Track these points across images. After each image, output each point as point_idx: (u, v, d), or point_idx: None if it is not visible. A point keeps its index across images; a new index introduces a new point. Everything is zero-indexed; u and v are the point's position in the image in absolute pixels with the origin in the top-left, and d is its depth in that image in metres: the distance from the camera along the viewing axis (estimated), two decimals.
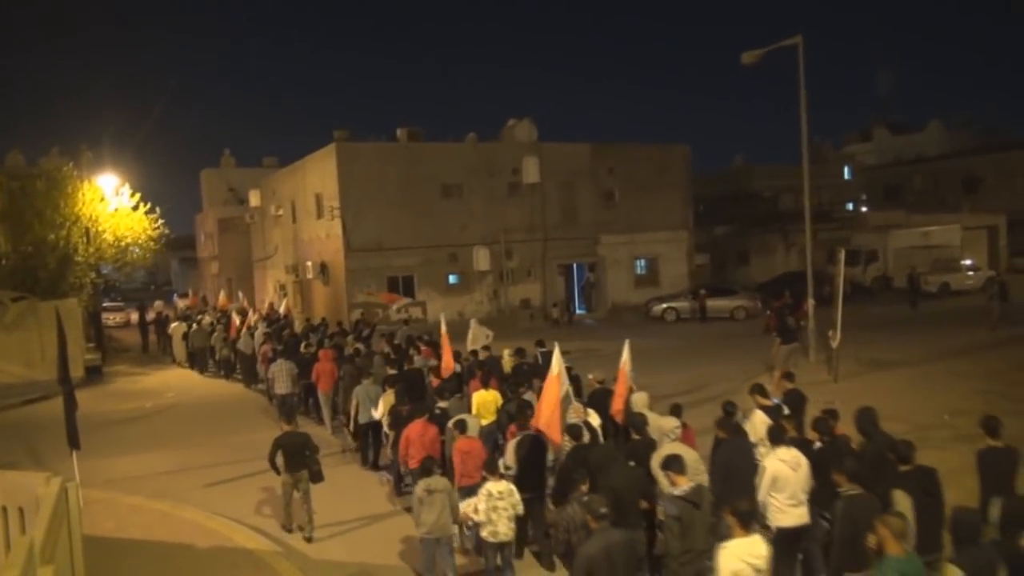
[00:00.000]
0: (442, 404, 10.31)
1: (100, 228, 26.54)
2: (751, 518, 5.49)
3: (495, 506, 7.23)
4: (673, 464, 6.41)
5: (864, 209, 48.00)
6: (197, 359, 23.30)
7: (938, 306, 28.49)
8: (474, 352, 14.35)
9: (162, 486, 11.72)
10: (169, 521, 10.00)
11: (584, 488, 6.63)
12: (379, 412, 11.24)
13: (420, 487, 7.45)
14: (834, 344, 16.15)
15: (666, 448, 7.40)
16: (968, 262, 33.81)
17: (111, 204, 27.24)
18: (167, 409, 18.26)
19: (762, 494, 6.78)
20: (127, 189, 28.09)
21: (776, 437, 7.13)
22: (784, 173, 42.76)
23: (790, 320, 17.05)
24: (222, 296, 31.85)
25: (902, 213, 39.89)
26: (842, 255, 16.77)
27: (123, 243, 27.55)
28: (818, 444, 7.40)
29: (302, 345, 16.90)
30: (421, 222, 28.60)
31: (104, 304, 38.93)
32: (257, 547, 8.99)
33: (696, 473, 7.03)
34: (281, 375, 15.00)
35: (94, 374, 22.88)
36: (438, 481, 7.46)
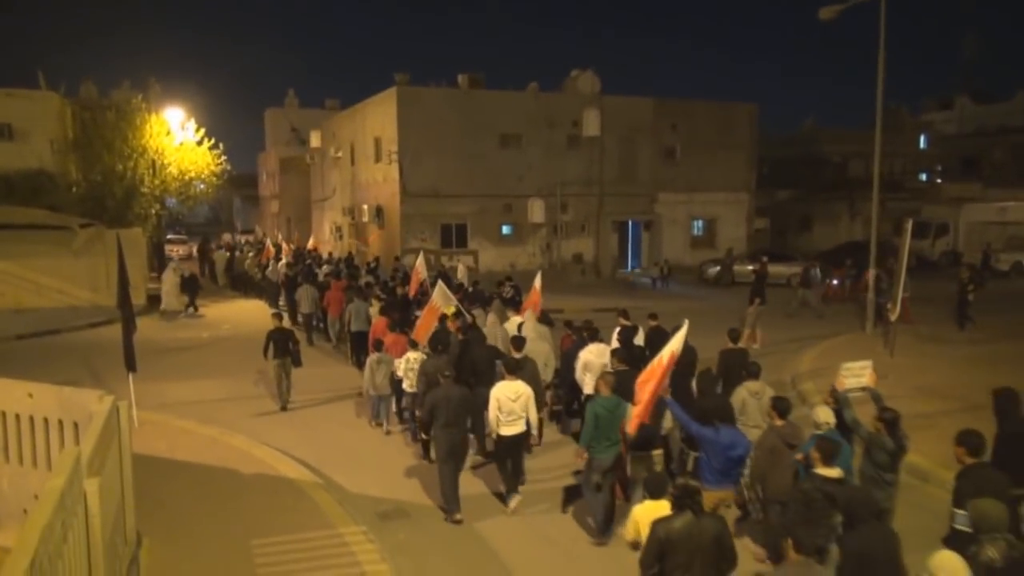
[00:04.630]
0: (417, 313, 13.38)
1: (165, 161, 27.19)
2: (516, 369, 8.63)
3: (412, 368, 10.45)
4: (513, 342, 9.84)
5: (938, 180, 46.01)
6: (238, 283, 27.38)
7: (1008, 285, 27.34)
8: (460, 285, 17.68)
9: (213, 412, 12.14)
10: (217, 446, 10.37)
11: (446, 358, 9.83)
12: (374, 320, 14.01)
13: (373, 358, 11.16)
14: (892, 317, 15.65)
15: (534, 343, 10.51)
16: None
17: (176, 138, 27.83)
18: (222, 340, 18.81)
19: (577, 374, 10.12)
20: (192, 124, 28.63)
21: (591, 337, 10.48)
22: (855, 138, 41.15)
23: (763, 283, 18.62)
24: (312, 240, 32.74)
25: (979, 186, 38.12)
26: (909, 226, 16.11)
27: (187, 177, 28.19)
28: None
29: (319, 274, 20.36)
30: (477, 170, 28.50)
31: (168, 236, 40.31)
32: (298, 477, 9.26)
33: (537, 355, 10.18)
34: (305, 298, 17.76)
35: (155, 302, 23.66)
36: (385, 356, 11.13)
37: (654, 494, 5.79)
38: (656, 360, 7.54)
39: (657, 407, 7.71)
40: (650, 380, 7.33)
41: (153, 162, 26.45)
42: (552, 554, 7.67)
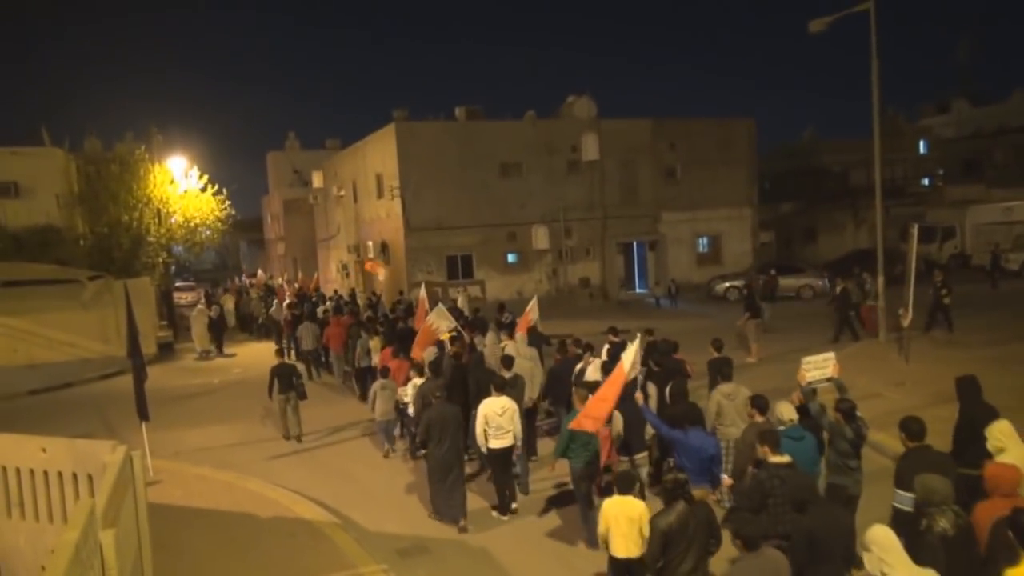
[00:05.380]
0: None
1: (170, 209, 27.41)
2: (504, 387, 9.11)
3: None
4: (503, 361, 10.46)
5: (940, 184, 45.94)
6: (246, 323, 28.36)
7: (1020, 285, 27.14)
8: (461, 312, 18.25)
9: (227, 457, 12.10)
10: (233, 491, 10.31)
11: (440, 381, 10.35)
12: (374, 357, 14.55)
13: (378, 384, 11.64)
14: (905, 323, 15.53)
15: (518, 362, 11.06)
16: None
17: (180, 186, 28.09)
18: (234, 384, 18.80)
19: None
20: (195, 171, 28.90)
21: (585, 351, 11.24)
22: (855, 147, 41.21)
23: (756, 297, 18.78)
24: (315, 279, 33.09)
25: (982, 188, 38.00)
26: (915, 231, 16.03)
27: (192, 224, 28.39)
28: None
29: (319, 311, 20.89)
30: (480, 201, 28.62)
31: (176, 284, 40.56)
32: (316, 518, 9.19)
33: (522, 373, 10.80)
34: (307, 335, 18.31)
35: (166, 350, 23.76)
36: (390, 383, 11.66)
37: (622, 489, 6.25)
38: (614, 372, 8.07)
39: (639, 415, 8.28)
40: (608, 388, 7.77)
41: (158, 211, 26.66)
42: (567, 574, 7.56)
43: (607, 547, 6.26)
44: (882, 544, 4.38)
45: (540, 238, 29.08)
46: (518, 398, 9.72)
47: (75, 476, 6.84)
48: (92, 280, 22.55)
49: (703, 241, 33.12)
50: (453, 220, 28.36)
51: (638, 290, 32.15)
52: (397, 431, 12.13)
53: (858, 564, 4.75)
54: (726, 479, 7.56)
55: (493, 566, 7.92)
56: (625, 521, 6.06)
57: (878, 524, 4.61)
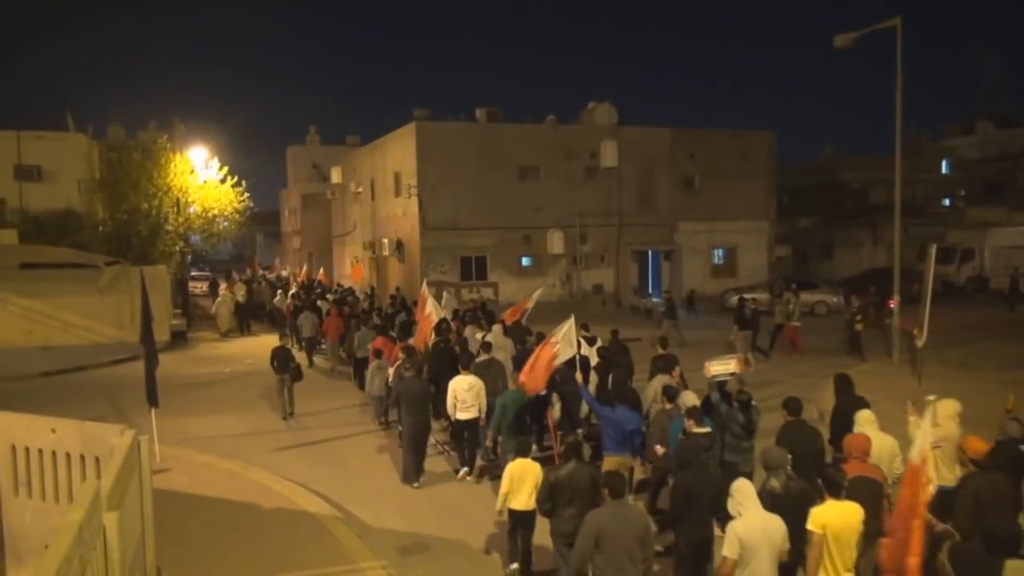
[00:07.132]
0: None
1: (189, 199, 27.64)
2: (469, 362, 10.62)
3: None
4: (483, 347, 12.01)
5: (961, 205, 45.55)
6: (256, 311, 28.46)
7: None
8: (456, 310, 19.35)
9: (234, 447, 12.16)
10: (238, 480, 10.36)
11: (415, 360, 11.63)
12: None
13: (374, 364, 13.07)
14: (919, 343, 15.39)
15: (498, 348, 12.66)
16: None
17: (200, 176, 28.31)
18: (244, 374, 18.89)
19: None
20: (216, 162, 29.13)
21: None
22: (875, 165, 41.05)
23: (747, 311, 19.11)
24: (321, 272, 33.18)
25: (1004, 210, 37.65)
26: (933, 251, 15.89)
27: (210, 214, 28.61)
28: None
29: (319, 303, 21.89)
30: (497, 203, 28.66)
31: (192, 273, 40.86)
32: (318, 511, 9.21)
33: (499, 349, 12.59)
34: (306, 323, 19.56)
35: (179, 339, 23.91)
36: (383, 363, 12.88)
37: (520, 453, 7.43)
38: (542, 344, 10.10)
39: (578, 394, 9.68)
40: (539, 358, 9.80)
41: (177, 200, 26.89)
42: None
43: (506, 502, 7.29)
44: (741, 491, 5.57)
45: (555, 243, 29.07)
46: (495, 380, 10.96)
47: (83, 458, 6.90)
48: (109, 266, 22.74)
49: (718, 253, 33.00)
50: (469, 221, 28.41)
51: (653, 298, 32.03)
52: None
53: (722, 516, 5.84)
54: (659, 448, 8.48)
55: (493, 565, 7.92)
56: (524, 479, 7.20)
57: (741, 478, 5.81)
